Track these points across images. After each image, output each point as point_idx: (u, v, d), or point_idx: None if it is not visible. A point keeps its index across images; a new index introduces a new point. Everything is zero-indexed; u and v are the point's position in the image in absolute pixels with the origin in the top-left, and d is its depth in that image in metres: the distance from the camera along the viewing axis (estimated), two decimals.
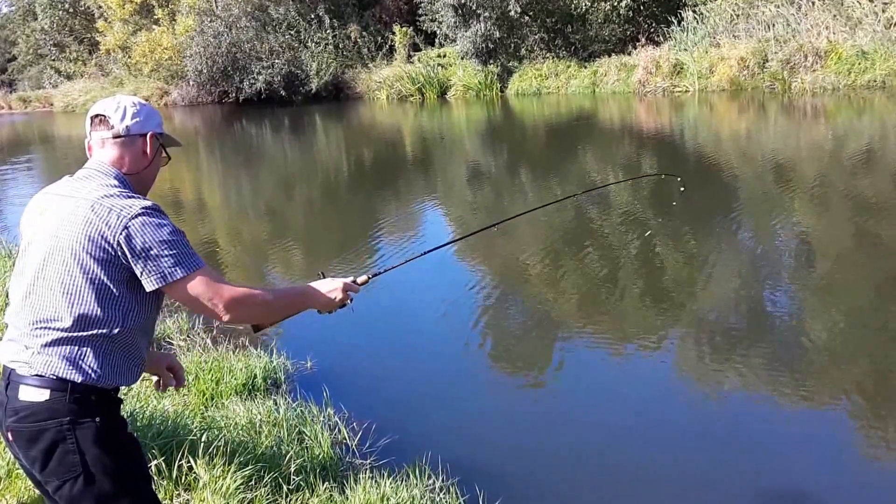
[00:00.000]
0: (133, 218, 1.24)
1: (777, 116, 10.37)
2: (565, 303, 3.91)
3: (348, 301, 1.51)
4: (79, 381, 1.24)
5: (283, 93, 18.09)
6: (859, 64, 11.14)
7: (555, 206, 6.25)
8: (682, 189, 4.47)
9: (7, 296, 1.54)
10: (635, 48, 14.55)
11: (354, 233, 5.86)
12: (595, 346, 3.37)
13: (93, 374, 1.25)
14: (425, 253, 1.89)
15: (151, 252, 1.23)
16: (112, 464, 1.26)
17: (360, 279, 1.58)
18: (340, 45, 18.52)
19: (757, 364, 3.01)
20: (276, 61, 18.05)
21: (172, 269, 1.25)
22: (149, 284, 1.26)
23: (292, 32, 18.59)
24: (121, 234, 1.23)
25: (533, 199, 6.81)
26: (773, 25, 12.39)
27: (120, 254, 1.24)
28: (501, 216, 6.19)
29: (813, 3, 12.01)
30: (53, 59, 27.70)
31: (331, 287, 1.49)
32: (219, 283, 1.30)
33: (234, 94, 18.77)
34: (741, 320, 3.49)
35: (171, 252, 1.24)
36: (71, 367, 1.24)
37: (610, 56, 14.74)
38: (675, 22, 13.91)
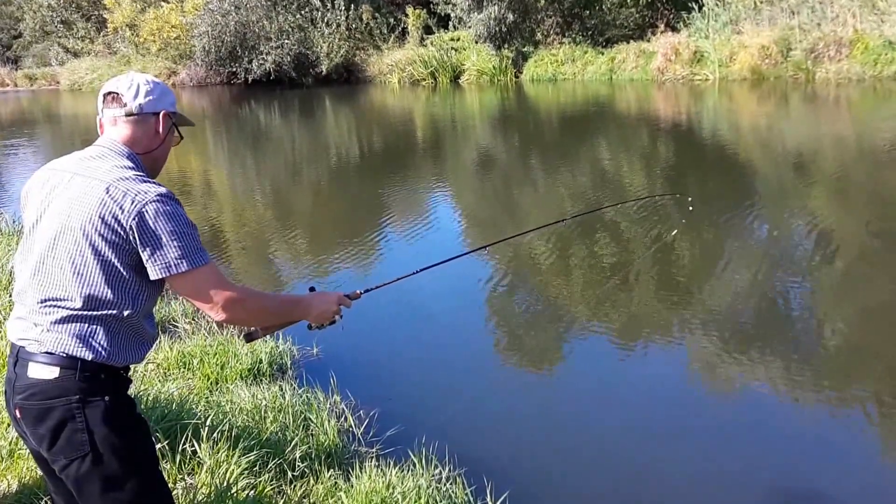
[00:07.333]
0: (148, 204, 1.22)
1: (800, 107, 10.10)
2: (577, 296, 3.84)
3: (338, 317, 1.52)
4: (89, 358, 1.23)
5: (292, 74, 17.88)
6: (886, 55, 10.81)
7: (567, 198, 6.12)
8: (690, 209, 4.37)
9: (12, 274, 1.49)
10: (654, 34, 14.21)
11: (361, 223, 5.79)
12: (606, 340, 3.30)
13: (103, 352, 1.24)
14: (430, 266, 1.84)
15: (160, 241, 1.23)
16: (120, 443, 1.25)
17: (352, 294, 1.57)
18: (352, 27, 18.26)
19: (775, 362, 2.94)
20: (286, 41, 17.80)
21: (178, 262, 1.24)
22: (153, 273, 1.25)
23: (303, 12, 18.34)
24: (133, 219, 1.22)
25: (542, 195, 6.68)
26: (798, 13, 12.00)
27: (131, 238, 1.23)
28: (508, 213, 6.08)
29: None
30: (60, 37, 27.45)
31: (326, 300, 1.49)
32: (221, 282, 1.30)
33: (242, 75, 18.52)
34: (758, 317, 3.41)
35: (179, 244, 1.24)
36: (81, 345, 1.23)
37: (628, 42, 14.43)
38: (696, 8, 13.53)
